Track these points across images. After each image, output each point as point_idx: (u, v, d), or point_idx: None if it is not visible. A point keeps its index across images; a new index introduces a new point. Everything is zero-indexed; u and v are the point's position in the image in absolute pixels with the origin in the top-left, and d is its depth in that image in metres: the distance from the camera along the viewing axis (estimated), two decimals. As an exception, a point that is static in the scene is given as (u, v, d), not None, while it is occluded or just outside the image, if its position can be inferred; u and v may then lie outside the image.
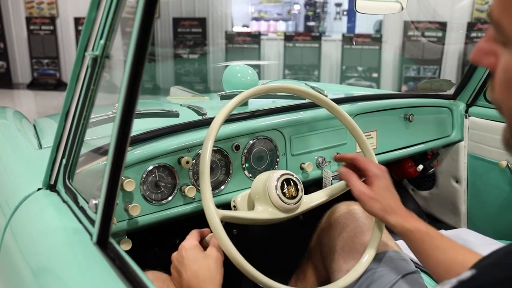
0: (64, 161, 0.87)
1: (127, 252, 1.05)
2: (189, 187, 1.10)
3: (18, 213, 0.91)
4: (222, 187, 1.17)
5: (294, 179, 1.03)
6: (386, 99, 1.57)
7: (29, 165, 1.14)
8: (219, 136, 1.14)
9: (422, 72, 7.17)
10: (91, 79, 0.76)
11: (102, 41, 0.71)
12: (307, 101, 1.35)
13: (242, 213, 0.99)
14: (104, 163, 0.97)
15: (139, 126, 1.16)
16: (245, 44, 7.19)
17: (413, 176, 1.77)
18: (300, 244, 1.33)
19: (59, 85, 8.40)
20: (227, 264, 0.88)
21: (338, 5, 10.09)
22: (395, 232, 0.96)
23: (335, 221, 1.16)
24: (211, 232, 0.90)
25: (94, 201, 0.75)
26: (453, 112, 1.70)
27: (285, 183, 1.02)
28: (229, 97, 1.35)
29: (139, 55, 0.61)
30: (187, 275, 0.84)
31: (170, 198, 1.09)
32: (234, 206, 1.08)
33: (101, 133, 0.99)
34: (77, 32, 8.12)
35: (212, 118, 1.25)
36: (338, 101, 1.45)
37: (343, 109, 1.13)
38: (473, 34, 6.61)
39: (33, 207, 0.90)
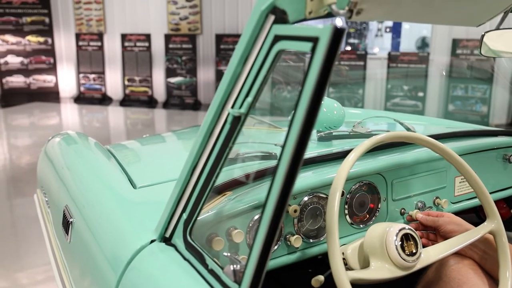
0: (185, 215, 0.83)
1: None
2: (295, 236, 1.04)
3: (132, 269, 0.86)
4: (325, 235, 1.11)
5: (413, 234, 0.96)
6: (483, 136, 1.48)
7: (131, 210, 1.10)
8: (325, 183, 1.09)
9: (470, 92, 6.95)
10: (231, 137, 0.71)
11: (250, 99, 0.67)
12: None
13: (366, 273, 0.93)
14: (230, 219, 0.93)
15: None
16: (290, 62, 7.15)
17: (505, 218, 1.66)
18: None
19: (104, 100, 8.58)
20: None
21: (380, 21, 9.97)
22: None
23: (447, 276, 1.07)
24: None
25: (231, 267, 0.70)
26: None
27: (403, 238, 0.95)
28: (328, 138, 1.30)
29: (308, 121, 0.56)
30: None
31: (276, 247, 1.03)
32: (344, 259, 1.02)
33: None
34: (123, 48, 8.29)
35: (307, 159, 1.21)
36: (438, 137, 1.38)
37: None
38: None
39: (150, 263, 0.85)
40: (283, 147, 0.58)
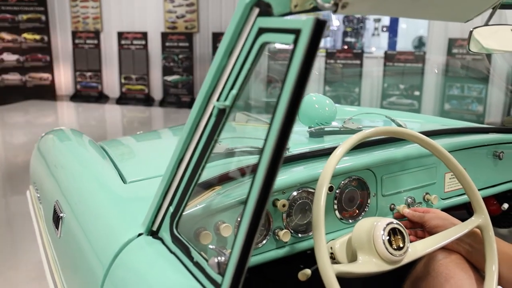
0: (171, 208, 0.83)
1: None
2: (284, 231, 1.04)
3: (119, 261, 0.86)
4: (314, 230, 1.11)
5: (400, 228, 0.96)
6: (474, 133, 1.49)
7: (120, 204, 1.10)
8: (314, 178, 1.09)
9: (466, 91, 6.97)
10: (216, 129, 0.71)
11: (234, 92, 0.67)
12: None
13: (353, 266, 0.93)
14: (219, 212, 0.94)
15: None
16: (287, 60, 7.16)
17: (495, 214, 1.67)
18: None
19: (100, 98, 8.57)
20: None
21: (377, 20, 9.98)
22: None
23: (435, 270, 1.08)
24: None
25: (216, 259, 0.70)
26: (541, 148, 1.59)
27: (391, 232, 0.95)
28: (318, 134, 1.30)
29: (289, 114, 0.56)
30: None
31: (264, 241, 1.04)
32: (332, 253, 1.02)
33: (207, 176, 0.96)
34: (120, 46, 8.28)
35: (298, 155, 1.21)
36: (428, 134, 1.39)
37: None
38: (525, 54, 6.38)
39: (137, 256, 0.85)
40: (265, 138, 0.59)
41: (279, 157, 0.58)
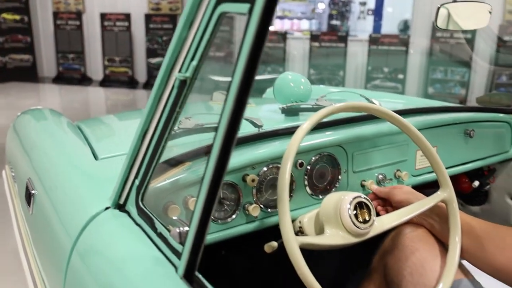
0: (137, 181, 0.83)
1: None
2: (253, 205, 1.05)
3: (86, 234, 0.87)
4: (284, 204, 1.13)
5: (367, 202, 0.98)
6: (445, 112, 1.51)
7: (90, 180, 1.10)
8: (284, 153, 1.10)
9: (449, 75, 7.03)
10: (178, 101, 0.71)
11: (195, 63, 0.67)
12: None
13: (318, 238, 0.95)
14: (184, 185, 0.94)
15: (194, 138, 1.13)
16: (272, 42, 7.15)
17: (466, 192, 1.70)
18: (357, 263, 1.28)
19: (83, 80, 8.47)
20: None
21: (363, 4, 9.96)
22: None
23: (401, 244, 1.11)
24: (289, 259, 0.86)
25: (177, 230, 0.71)
26: (512, 127, 1.63)
27: (357, 206, 0.97)
28: (292, 111, 1.31)
29: (245, 82, 0.57)
30: None
31: (234, 216, 1.05)
32: (300, 227, 1.04)
33: (174, 151, 0.96)
34: (103, 28, 8.15)
35: (270, 132, 1.22)
36: (400, 112, 1.40)
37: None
38: (506, 38, 6.45)
39: (103, 229, 0.86)
40: (222, 110, 0.59)
41: (236, 126, 0.58)
